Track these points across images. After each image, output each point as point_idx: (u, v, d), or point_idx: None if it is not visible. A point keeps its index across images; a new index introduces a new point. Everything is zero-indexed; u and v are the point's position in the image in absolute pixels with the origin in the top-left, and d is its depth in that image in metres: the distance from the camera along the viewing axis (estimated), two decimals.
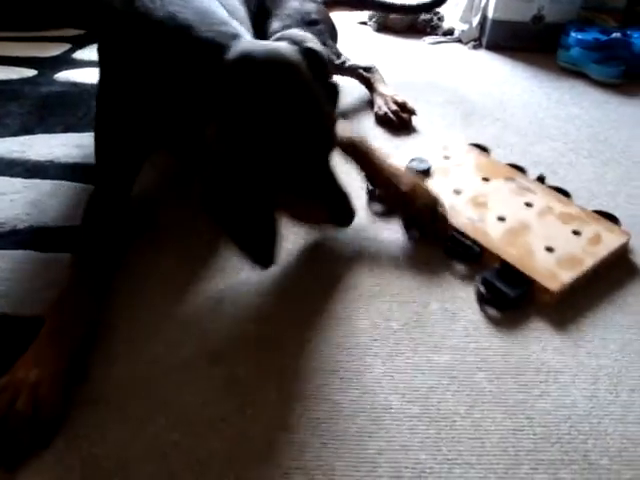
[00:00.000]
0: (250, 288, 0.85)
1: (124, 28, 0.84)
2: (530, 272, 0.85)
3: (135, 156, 0.95)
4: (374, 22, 1.85)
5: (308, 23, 1.13)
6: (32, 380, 0.65)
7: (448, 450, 0.65)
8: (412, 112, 1.30)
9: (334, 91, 0.89)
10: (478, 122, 1.33)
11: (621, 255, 0.95)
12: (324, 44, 1.12)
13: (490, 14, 1.70)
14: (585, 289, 0.87)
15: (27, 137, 1.18)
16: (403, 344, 0.77)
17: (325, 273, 0.88)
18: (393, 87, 1.38)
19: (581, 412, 0.70)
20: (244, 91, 0.72)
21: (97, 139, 0.94)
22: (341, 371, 0.73)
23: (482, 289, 0.84)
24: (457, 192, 1.03)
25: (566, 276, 0.86)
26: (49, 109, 1.29)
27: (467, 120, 1.34)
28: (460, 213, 0.97)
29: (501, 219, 0.97)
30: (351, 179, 0.97)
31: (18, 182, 1.05)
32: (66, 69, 1.49)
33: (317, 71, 0.78)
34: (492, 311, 0.83)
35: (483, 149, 1.17)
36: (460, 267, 0.90)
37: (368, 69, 1.36)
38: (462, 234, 0.93)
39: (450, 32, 1.80)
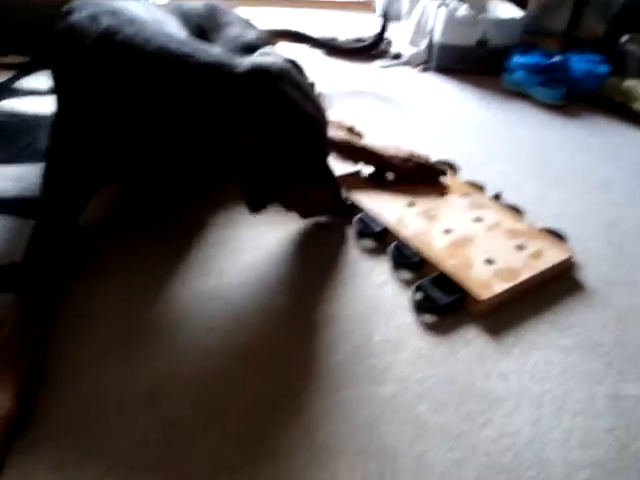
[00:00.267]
0: (192, 323, 0.82)
1: (102, 60, 0.85)
2: (464, 281, 0.87)
3: (89, 187, 0.95)
4: None
5: (248, 49, 1.12)
6: None
7: None
8: (360, 135, 1.30)
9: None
10: (426, 144, 1.34)
11: (565, 273, 0.97)
12: None
13: (437, 38, 1.74)
14: (530, 310, 0.88)
15: None
16: (344, 377, 0.75)
17: (265, 304, 0.86)
18: (343, 111, 1.39)
19: (525, 439, 0.69)
20: (271, 102, 0.82)
21: (49, 169, 0.93)
22: (280, 410, 0.71)
23: (416, 295, 0.86)
24: (410, 205, 1.06)
25: (499, 286, 0.87)
26: None
27: (416, 142, 1.35)
28: (409, 225, 1.00)
29: (447, 231, 0.99)
30: None
31: None
32: (8, 98, 1.45)
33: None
34: (426, 317, 0.85)
35: (450, 166, 1.21)
36: (407, 295, 0.89)
37: None
38: (406, 244, 0.95)
39: (398, 56, 1.83)
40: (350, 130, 1.31)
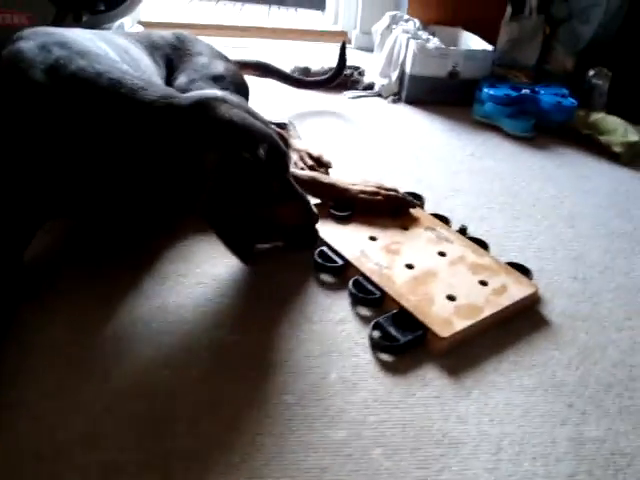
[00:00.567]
0: (139, 362, 0.78)
1: (50, 92, 0.83)
2: (424, 318, 0.85)
3: (34, 222, 0.91)
4: None
5: (214, 79, 1.11)
6: None
7: None
8: (328, 165, 1.29)
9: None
10: (395, 175, 1.33)
11: (530, 307, 0.95)
12: None
13: (408, 69, 1.74)
14: (492, 348, 0.85)
15: None
16: (297, 420, 0.72)
17: (217, 341, 0.83)
18: (311, 141, 1.37)
19: None
20: (221, 122, 0.84)
21: None
22: (228, 454, 0.67)
23: (374, 333, 0.84)
24: (373, 239, 1.03)
25: (460, 324, 0.85)
26: None
27: (383, 172, 1.34)
28: (370, 259, 0.97)
29: (409, 266, 0.97)
30: None
31: None
32: None
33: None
34: (384, 356, 0.82)
35: (416, 197, 1.19)
36: (366, 333, 0.86)
37: (282, 125, 1.35)
38: (367, 279, 0.93)
39: (370, 87, 1.83)
40: (317, 160, 1.29)
